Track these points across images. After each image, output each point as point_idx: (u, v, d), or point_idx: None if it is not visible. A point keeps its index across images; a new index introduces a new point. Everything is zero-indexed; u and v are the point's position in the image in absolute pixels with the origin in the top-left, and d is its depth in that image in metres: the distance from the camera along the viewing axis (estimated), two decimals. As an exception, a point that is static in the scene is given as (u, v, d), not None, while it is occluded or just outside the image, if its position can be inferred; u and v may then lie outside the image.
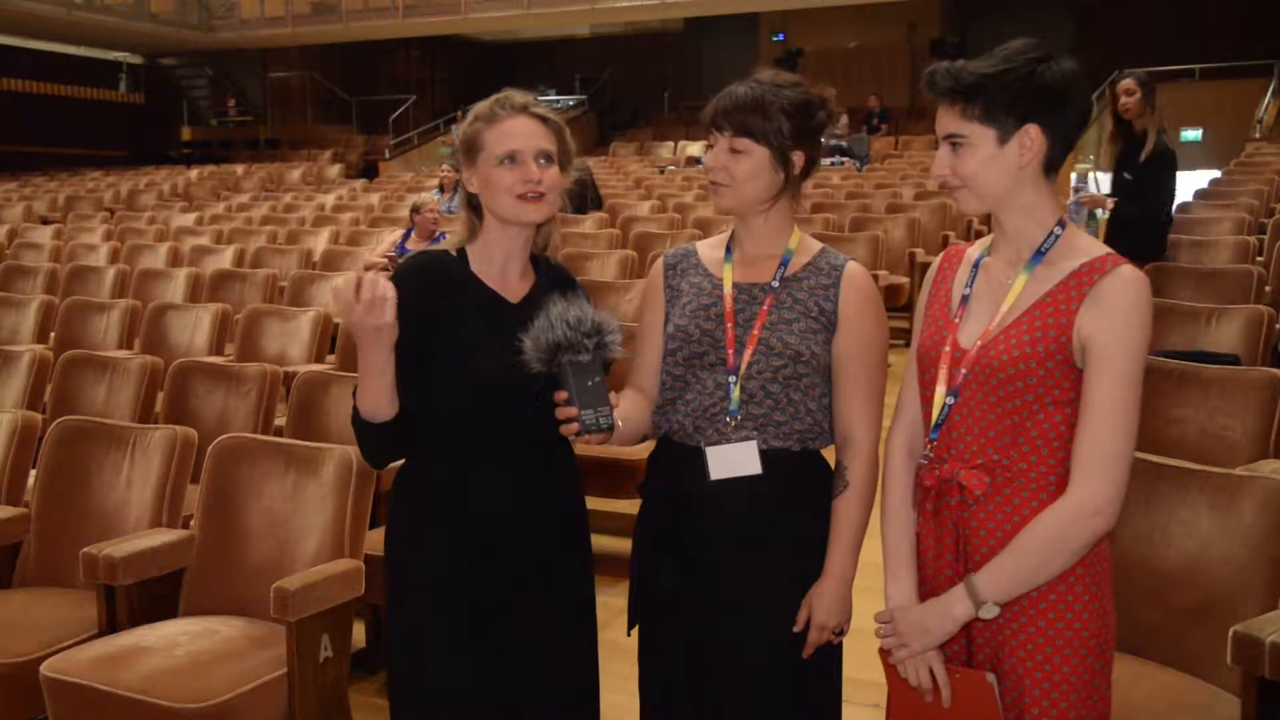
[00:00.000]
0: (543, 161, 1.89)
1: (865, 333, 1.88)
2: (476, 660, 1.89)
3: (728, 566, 1.85)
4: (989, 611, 1.61)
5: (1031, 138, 1.62)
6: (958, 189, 1.68)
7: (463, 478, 1.89)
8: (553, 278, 2.00)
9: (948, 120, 1.65)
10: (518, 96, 1.92)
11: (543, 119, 1.91)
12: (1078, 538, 1.58)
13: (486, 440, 1.89)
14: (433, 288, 1.88)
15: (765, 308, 1.87)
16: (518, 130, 1.88)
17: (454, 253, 1.96)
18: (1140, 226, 5.28)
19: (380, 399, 1.82)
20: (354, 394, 1.88)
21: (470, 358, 1.87)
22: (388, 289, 1.73)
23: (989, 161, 1.63)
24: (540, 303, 1.87)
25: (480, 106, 1.94)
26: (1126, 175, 5.34)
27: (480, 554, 1.88)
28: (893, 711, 1.77)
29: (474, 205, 1.95)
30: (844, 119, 15.80)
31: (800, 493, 1.87)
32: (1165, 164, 5.30)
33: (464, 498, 1.88)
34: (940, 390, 1.68)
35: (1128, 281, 1.60)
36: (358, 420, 1.87)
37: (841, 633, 1.88)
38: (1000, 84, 1.60)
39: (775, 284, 1.89)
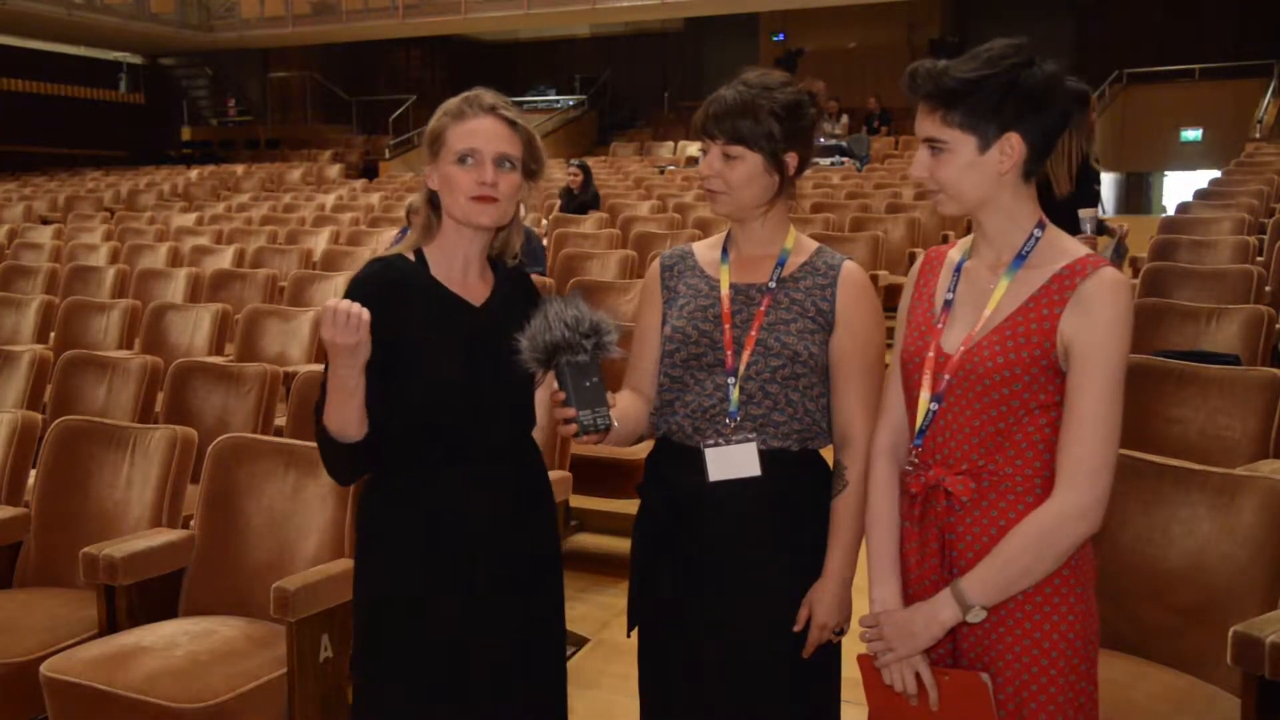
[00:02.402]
0: (505, 166, 1.86)
1: (863, 332, 1.88)
2: (445, 661, 1.87)
3: (727, 567, 1.85)
4: (976, 616, 1.61)
5: (1012, 145, 1.60)
6: (935, 193, 1.67)
7: (432, 481, 1.88)
8: (511, 281, 1.97)
9: (928, 125, 1.63)
10: (487, 97, 1.89)
11: (510, 122, 1.88)
12: (1063, 541, 1.58)
13: (456, 443, 1.87)
14: (393, 294, 1.85)
15: (762, 308, 1.87)
16: (480, 130, 1.85)
17: (411, 255, 1.93)
18: None
19: (350, 419, 1.80)
20: (315, 410, 1.86)
21: (437, 362, 1.86)
22: (364, 311, 1.73)
23: (968, 168, 1.62)
24: (503, 306, 1.88)
25: (449, 103, 1.91)
26: None
27: (450, 556, 1.87)
28: (874, 709, 1.77)
29: (435, 204, 1.93)
30: (844, 119, 15.82)
31: (799, 492, 1.87)
32: None
33: (434, 501, 1.87)
34: (924, 396, 1.68)
35: (1109, 284, 1.59)
36: (325, 439, 1.85)
37: (841, 632, 1.88)
38: (982, 92, 1.58)
39: (772, 284, 1.89)
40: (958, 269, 1.73)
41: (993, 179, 1.63)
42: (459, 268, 1.92)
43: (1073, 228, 4.55)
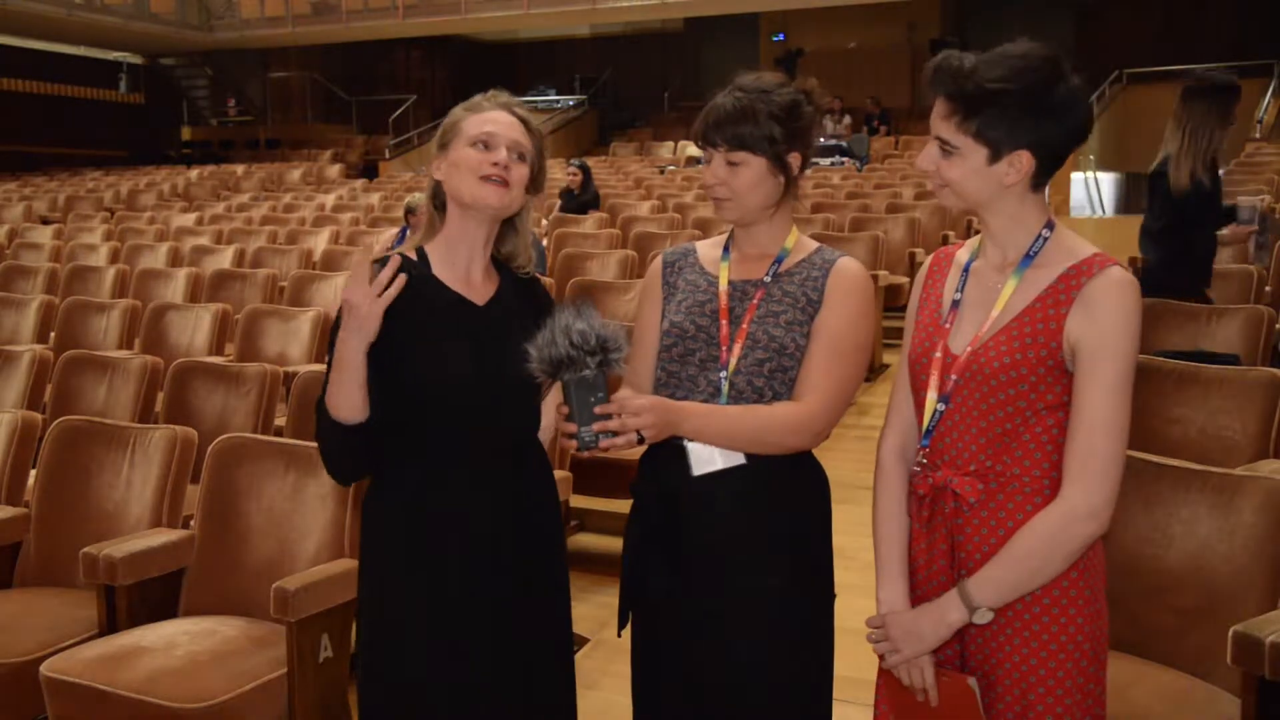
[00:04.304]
0: (516, 157, 1.88)
1: (842, 316, 1.84)
2: (449, 663, 1.87)
3: (716, 565, 1.84)
4: (982, 617, 1.61)
5: (1021, 161, 1.60)
6: (940, 187, 1.66)
7: (435, 482, 1.87)
8: (517, 284, 1.98)
9: (942, 126, 1.62)
10: (504, 95, 1.94)
11: (525, 122, 1.92)
12: (1072, 542, 1.58)
13: (458, 443, 1.87)
14: (401, 289, 1.84)
15: (755, 302, 1.87)
16: (498, 119, 1.89)
17: (414, 254, 1.93)
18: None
19: (352, 398, 1.79)
20: (317, 404, 1.85)
21: (441, 362, 1.85)
22: (391, 289, 1.75)
23: (975, 174, 1.61)
24: (506, 306, 1.89)
25: (470, 100, 1.95)
26: None
27: (453, 558, 1.87)
28: (881, 702, 1.78)
29: (438, 202, 1.94)
30: (846, 118, 15.82)
31: (788, 489, 1.86)
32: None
33: (437, 502, 1.87)
34: (931, 396, 1.67)
35: (1116, 283, 1.58)
36: (328, 425, 1.83)
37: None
38: (1001, 105, 1.56)
39: (767, 279, 1.88)
40: (965, 269, 1.73)
41: (997, 188, 1.62)
42: (462, 265, 1.92)
43: (1201, 241, 4.08)
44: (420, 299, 1.87)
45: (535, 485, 1.97)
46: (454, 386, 1.86)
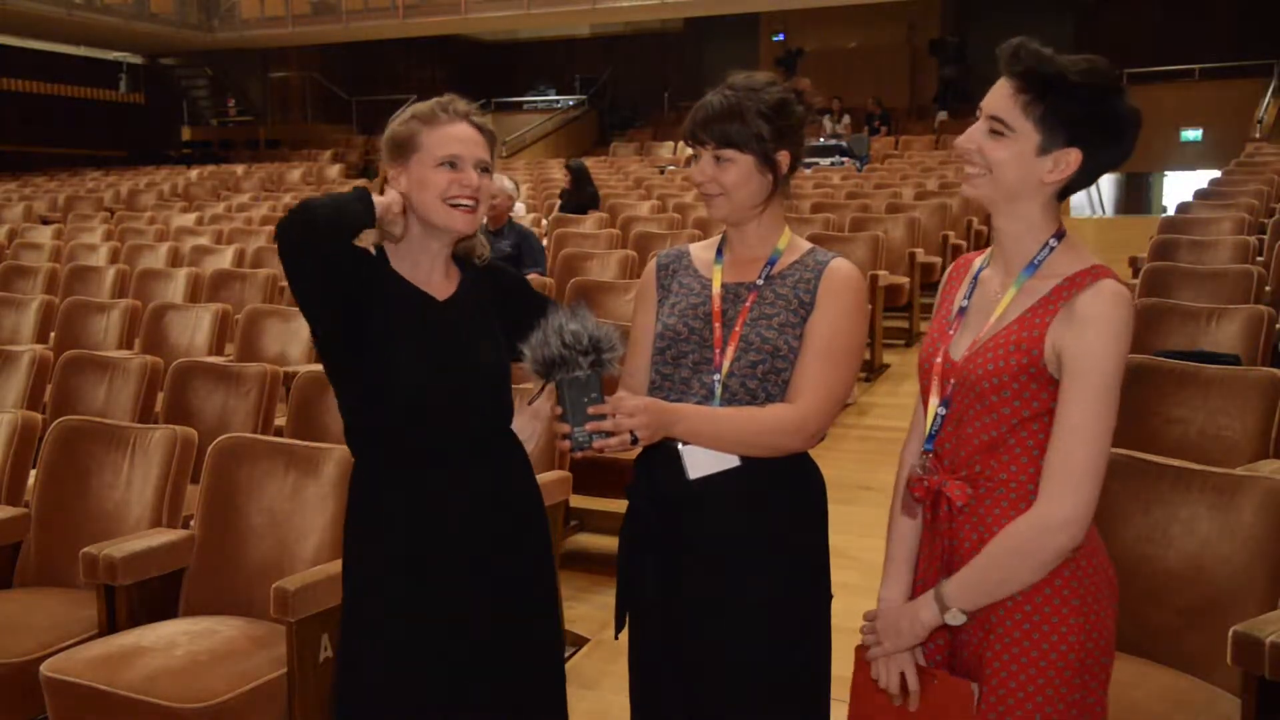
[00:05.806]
0: (481, 172, 1.90)
1: (836, 317, 1.84)
2: (438, 658, 1.87)
3: (711, 567, 1.84)
4: (954, 618, 1.62)
5: (1069, 161, 1.59)
6: (975, 170, 1.63)
7: (411, 477, 1.88)
8: (478, 277, 1.99)
9: (1005, 105, 1.59)
10: (461, 103, 1.93)
11: (481, 129, 1.93)
12: (1041, 552, 1.57)
13: (430, 439, 1.88)
14: (360, 286, 1.84)
15: (747, 304, 1.87)
16: (461, 136, 1.89)
17: (372, 249, 1.92)
18: None
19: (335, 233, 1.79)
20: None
21: (405, 359, 1.86)
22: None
23: (1019, 160, 1.59)
24: (467, 301, 1.90)
25: (420, 107, 1.93)
26: None
27: (437, 552, 1.88)
28: (854, 711, 1.77)
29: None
30: (846, 119, 15.83)
31: (782, 492, 1.86)
32: None
33: (414, 497, 1.88)
34: (933, 401, 1.69)
35: (1105, 295, 1.57)
36: (335, 199, 1.79)
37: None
38: (1073, 98, 1.56)
39: (760, 282, 1.89)
40: (976, 276, 1.74)
41: (1034, 183, 1.61)
42: (424, 268, 1.94)
43: None
44: (382, 296, 1.88)
45: (511, 479, 1.97)
46: (420, 386, 1.86)
